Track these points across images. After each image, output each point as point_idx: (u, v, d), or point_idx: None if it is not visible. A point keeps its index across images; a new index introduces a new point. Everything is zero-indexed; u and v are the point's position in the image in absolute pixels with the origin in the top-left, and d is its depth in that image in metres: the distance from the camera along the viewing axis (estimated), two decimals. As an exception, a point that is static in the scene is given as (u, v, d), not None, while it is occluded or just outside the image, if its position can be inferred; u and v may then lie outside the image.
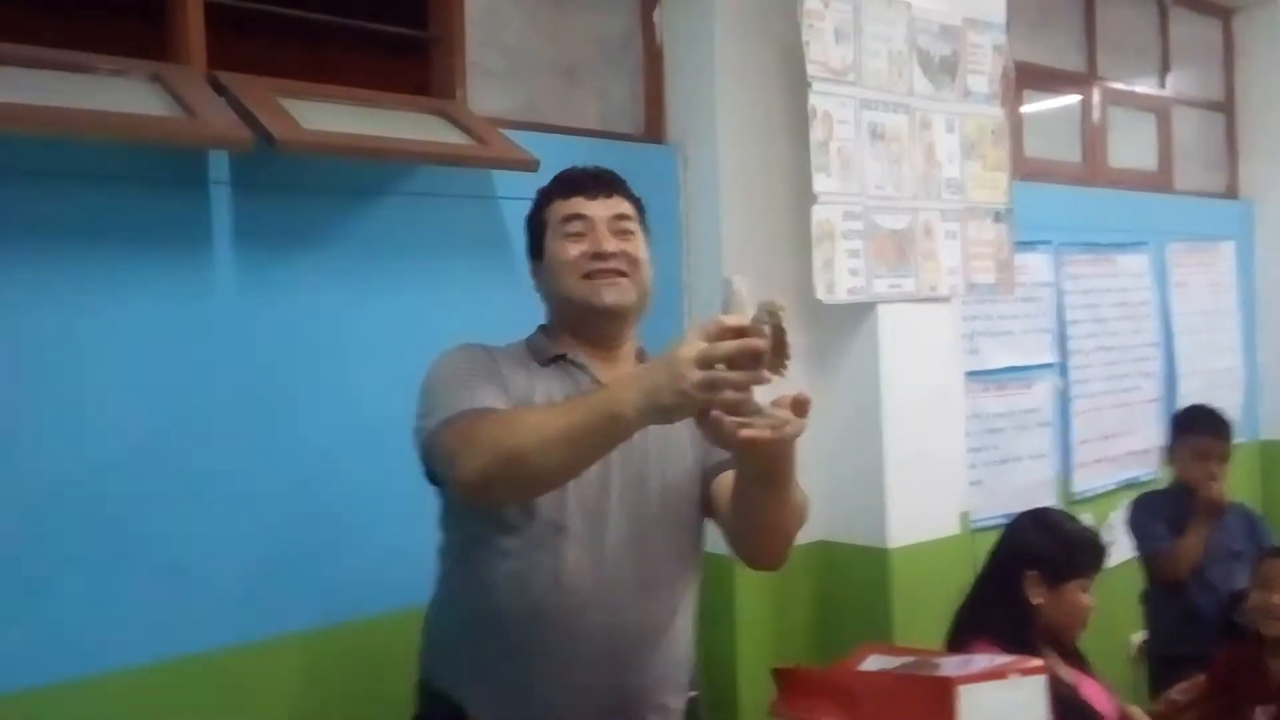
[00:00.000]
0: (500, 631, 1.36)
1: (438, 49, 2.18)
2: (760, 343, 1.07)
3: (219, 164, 1.80)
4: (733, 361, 1.07)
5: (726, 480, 1.38)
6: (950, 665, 1.27)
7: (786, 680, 1.38)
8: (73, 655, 1.63)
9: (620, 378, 1.25)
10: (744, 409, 1.09)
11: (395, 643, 1.54)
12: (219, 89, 1.80)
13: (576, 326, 1.44)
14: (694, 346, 1.08)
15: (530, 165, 1.98)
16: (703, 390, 1.07)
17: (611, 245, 1.40)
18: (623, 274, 1.40)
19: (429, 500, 1.45)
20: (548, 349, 1.45)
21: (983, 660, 1.28)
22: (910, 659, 1.36)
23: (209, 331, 1.78)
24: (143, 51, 1.83)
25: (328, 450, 1.87)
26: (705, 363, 1.08)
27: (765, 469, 1.25)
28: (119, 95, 1.66)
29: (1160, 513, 2.72)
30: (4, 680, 1.56)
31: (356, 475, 1.88)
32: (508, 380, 1.38)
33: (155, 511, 1.71)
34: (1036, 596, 1.76)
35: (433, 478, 1.38)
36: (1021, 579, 1.76)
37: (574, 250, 1.40)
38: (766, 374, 1.08)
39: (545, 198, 1.49)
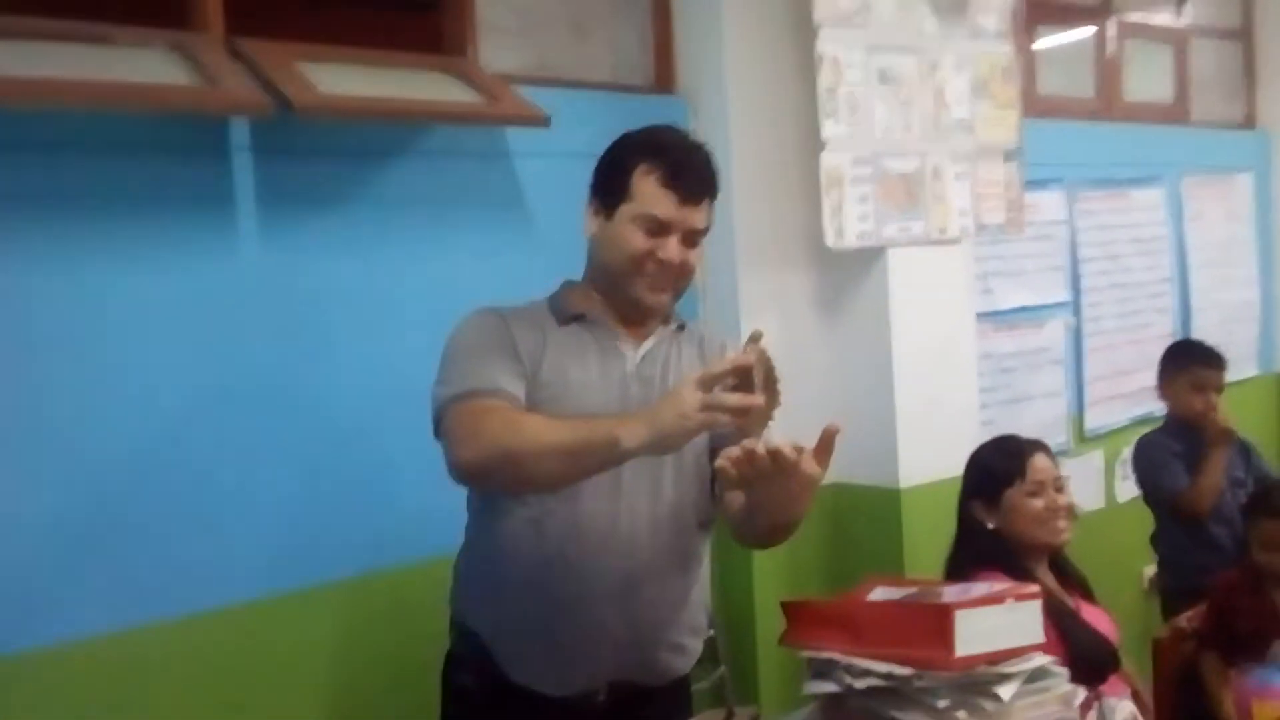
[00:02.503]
0: (519, 574, 1.43)
1: (448, 7, 2.20)
2: (748, 358, 1.21)
3: (239, 130, 1.85)
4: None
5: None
6: (950, 593, 1.33)
7: (795, 613, 1.45)
8: (120, 608, 1.71)
9: (628, 414, 1.31)
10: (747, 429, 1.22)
11: (430, 589, 1.63)
12: (237, 56, 1.84)
13: (610, 294, 1.48)
14: (693, 378, 1.21)
15: (542, 121, 2.01)
16: (702, 411, 1.18)
17: (676, 256, 1.43)
18: (672, 284, 1.46)
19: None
20: (568, 307, 1.49)
21: (982, 587, 1.34)
22: (914, 589, 1.42)
23: (235, 293, 1.84)
24: (161, 19, 1.86)
25: (353, 405, 1.94)
26: (704, 385, 1.20)
27: (780, 506, 1.32)
28: (141, 66, 1.71)
29: (1169, 451, 2.75)
30: (57, 632, 1.66)
31: (383, 429, 1.95)
32: (519, 344, 1.42)
33: (191, 469, 1.79)
34: (988, 521, 1.86)
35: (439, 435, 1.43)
36: (971, 513, 1.89)
37: (642, 244, 1.42)
38: (760, 398, 1.21)
39: (641, 158, 1.44)
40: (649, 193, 1.42)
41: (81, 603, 1.69)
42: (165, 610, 1.75)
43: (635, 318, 1.49)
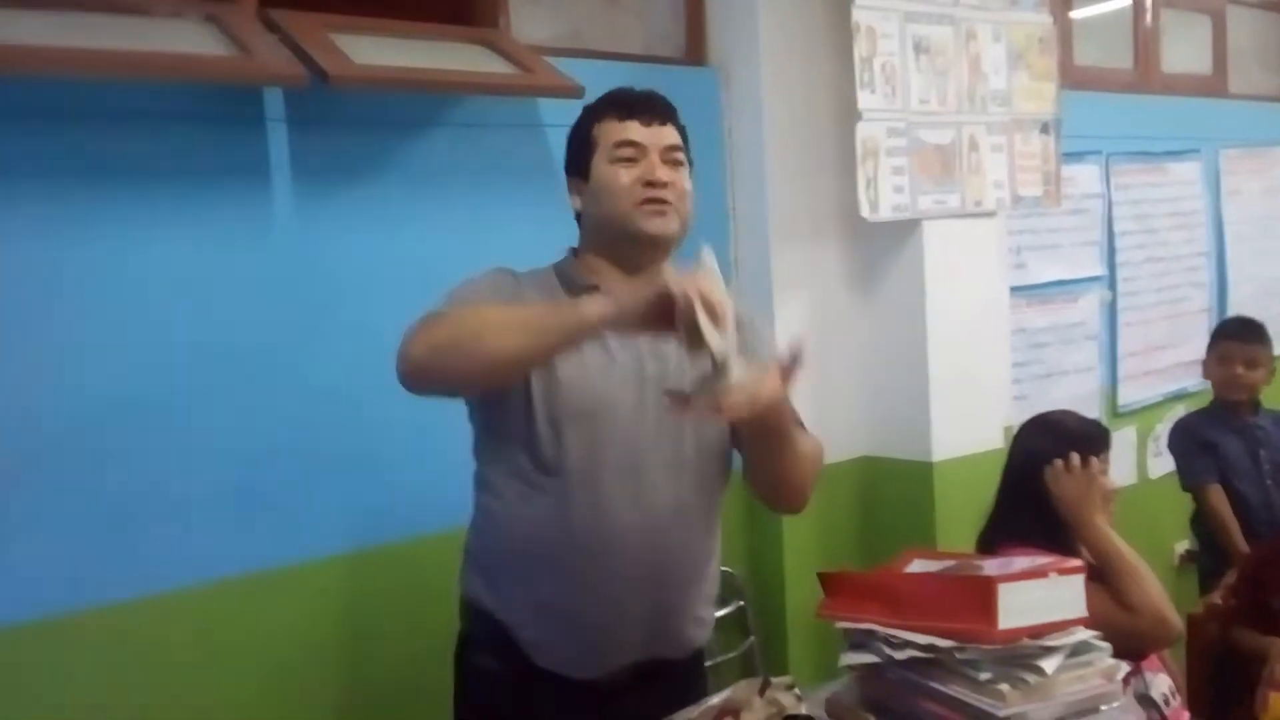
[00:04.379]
0: (542, 559, 1.39)
1: (479, -24, 2.19)
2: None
3: (274, 101, 1.85)
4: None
5: None
6: (991, 566, 1.32)
7: (832, 583, 1.44)
8: (146, 573, 1.73)
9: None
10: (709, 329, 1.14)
11: (442, 561, 1.60)
12: (270, 26, 1.84)
13: (614, 251, 1.45)
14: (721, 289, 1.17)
15: (575, 92, 2.00)
16: (663, 287, 1.14)
17: (664, 175, 1.41)
18: (669, 204, 1.41)
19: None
20: (578, 278, 1.45)
21: (1024, 561, 1.32)
22: (952, 562, 1.41)
23: (268, 262, 1.85)
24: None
25: (381, 376, 1.94)
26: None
27: (758, 431, 1.31)
28: (177, 36, 1.71)
29: (1198, 438, 2.73)
30: (86, 596, 1.68)
31: (416, 400, 1.96)
32: (527, 300, 1.39)
33: (219, 433, 1.80)
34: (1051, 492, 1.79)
35: (409, 387, 1.33)
36: (1041, 477, 1.80)
37: (626, 176, 1.40)
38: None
39: (595, 115, 1.47)
40: (611, 129, 1.43)
41: (113, 565, 1.71)
42: (192, 575, 1.77)
43: (644, 270, 1.42)
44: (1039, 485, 1.80)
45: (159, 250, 1.75)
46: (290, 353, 1.87)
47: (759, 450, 1.39)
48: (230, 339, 1.81)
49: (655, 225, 1.41)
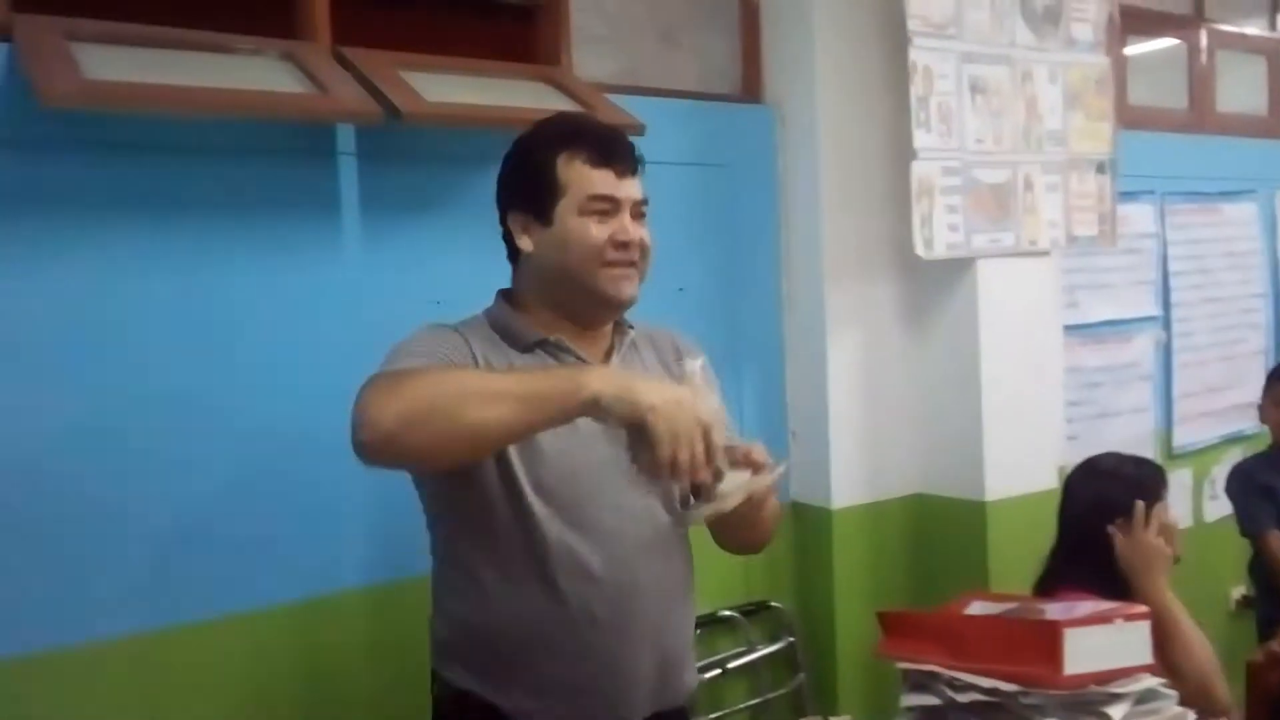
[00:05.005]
0: (540, 644, 1.32)
1: (543, 16, 2.24)
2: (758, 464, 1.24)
3: (345, 136, 1.91)
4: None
5: None
6: (1055, 610, 1.32)
7: (891, 623, 1.45)
8: (229, 593, 1.77)
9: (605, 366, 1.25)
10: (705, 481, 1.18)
11: None
12: (344, 64, 1.90)
13: (568, 304, 1.37)
14: (713, 411, 1.15)
15: (638, 130, 2.03)
16: (676, 445, 1.11)
17: (634, 233, 1.34)
18: (635, 265, 1.36)
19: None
20: (525, 332, 1.37)
21: (1088, 606, 1.32)
22: (1014, 605, 1.41)
23: (339, 294, 1.89)
24: (269, 28, 1.93)
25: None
26: (705, 434, 1.12)
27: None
28: (257, 74, 1.77)
29: (1256, 483, 2.70)
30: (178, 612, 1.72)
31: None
32: (487, 364, 1.32)
33: (296, 466, 1.83)
34: (1117, 545, 1.78)
35: (369, 458, 1.19)
36: (1103, 526, 1.79)
37: (598, 233, 1.32)
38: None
39: (560, 150, 1.34)
40: (584, 176, 1.33)
41: (197, 583, 1.75)
42: (272, 597, 1.81)
43: (598, 323, 1.40)
44: (1100, 535, 1.79)
45: (233, 279, 1.80)
46: (357, 380, 1.90)
47: (734, 524, 1.33)
48: (300, 367, 1.85)
49: (621, 289, 1.35)
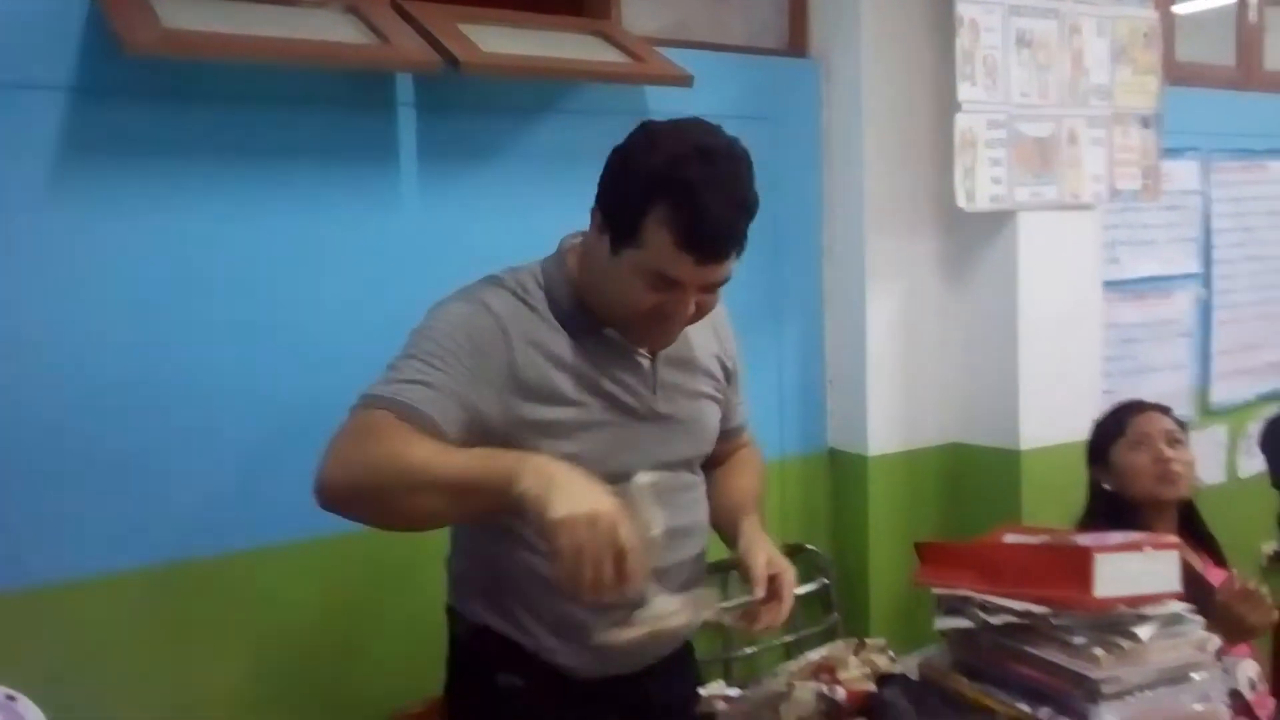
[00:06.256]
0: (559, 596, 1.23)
1: (594, -30, 2.29)
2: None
3: (404, 86, 1.97)
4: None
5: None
6: (1086, 539, 1.38)
7: (928, 553, 1.51)
8: (277, 524, 1.84)
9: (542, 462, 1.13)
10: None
11: None
12: (404, 16, 1.96)
13: (604, 316, 1.31)
14: (642, 532, 1.09)
15: (685, 80, 2.09)
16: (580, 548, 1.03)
17: (688, 312, 1.25)
18: (672, 332, 1.30)
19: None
20: (578, 316, 1.31)
21: (1118, 536, 1.38)
22: (1046, 536, 1.47)
23: (396, 240, 1.96)
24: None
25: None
26: (619, 557, 1.05)
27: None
28: (322, 25, 1.84)
29: None
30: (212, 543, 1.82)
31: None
32: (520, 371, 1.26)
33: (351, 392, 1.92)
34: (1105, 482, 1.90)
35: (322, 506, 1.21)
36: (1092, 475, 1.93)
37: (648, 300, 1.23)
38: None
39: (658, 200, 1.19)
40: (661, 249, 1.19)
41: (246, 518, 1.83)
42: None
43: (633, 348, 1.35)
44: (1095, 483, 1.92)
45: (293, 224, 1.87)
46: (416, 314, 1.97)
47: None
48: (357, 310, 1.92)
49: (647, 343, 1.32)
